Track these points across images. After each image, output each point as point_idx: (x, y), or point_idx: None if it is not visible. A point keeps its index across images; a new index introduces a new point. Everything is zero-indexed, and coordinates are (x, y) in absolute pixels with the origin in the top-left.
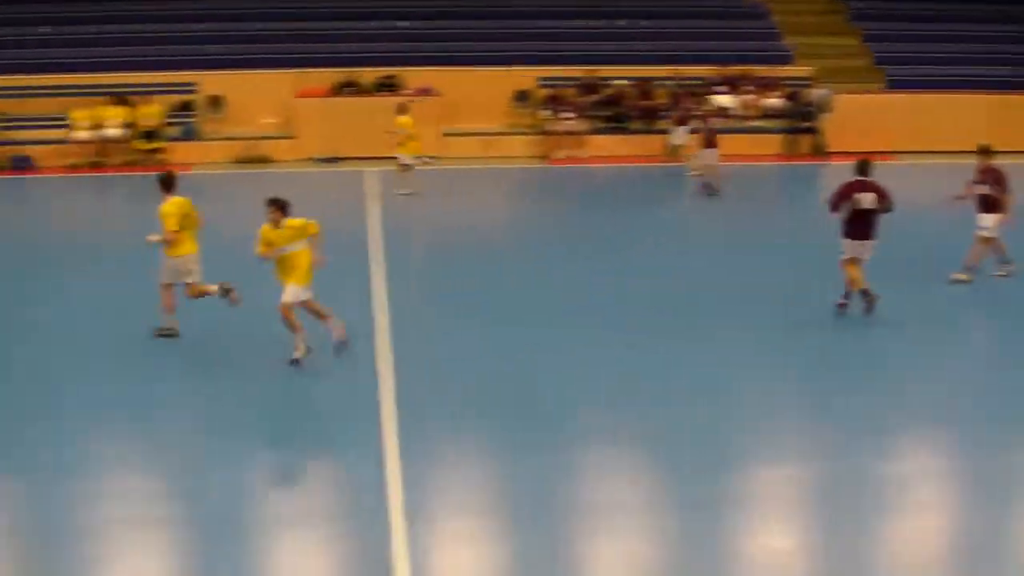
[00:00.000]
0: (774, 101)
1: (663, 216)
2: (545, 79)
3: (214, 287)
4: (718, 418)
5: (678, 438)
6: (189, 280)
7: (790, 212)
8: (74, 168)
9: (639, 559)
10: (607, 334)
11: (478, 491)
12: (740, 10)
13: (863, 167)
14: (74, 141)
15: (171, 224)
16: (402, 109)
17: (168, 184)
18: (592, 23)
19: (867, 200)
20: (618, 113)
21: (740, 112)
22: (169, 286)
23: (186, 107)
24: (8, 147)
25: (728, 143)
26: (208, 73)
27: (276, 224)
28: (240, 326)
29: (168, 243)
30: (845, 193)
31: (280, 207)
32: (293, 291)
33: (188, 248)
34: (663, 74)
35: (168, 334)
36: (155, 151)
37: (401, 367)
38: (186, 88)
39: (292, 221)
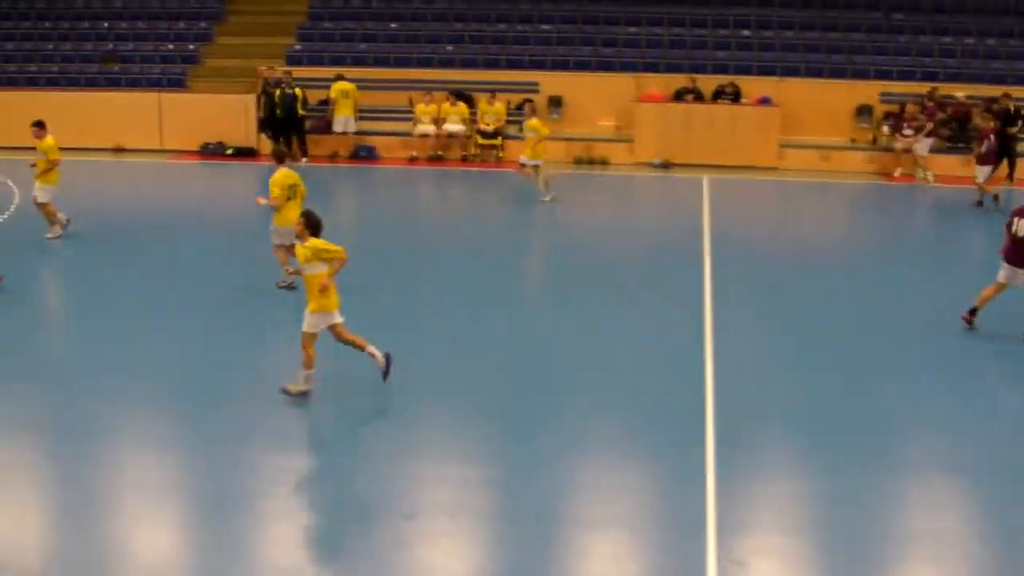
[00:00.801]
0: None
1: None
2: (888, 94)
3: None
4: None
5: (997, 472)
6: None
7: None
8: (413, 161)
9: None
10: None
11: (794, 509)
12: None
13: None
14: (417, 135)
15: (276, 192)
16: (532, 111)
17: (280, 157)
18: (939, 39)
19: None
20: (959, 132)
21: None
22: (280, 247)
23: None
24: (355, 136)
25: None
26: (550, 74)
27: (302, 239)
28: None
29: (275, 209)
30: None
31: (309, 223)
32: (311, 320)
33: (293, 217)
34: (999, 93)
35: (287, 286)
36: (494, 148)
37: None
38: (528, 87)
39: (317, 242)
